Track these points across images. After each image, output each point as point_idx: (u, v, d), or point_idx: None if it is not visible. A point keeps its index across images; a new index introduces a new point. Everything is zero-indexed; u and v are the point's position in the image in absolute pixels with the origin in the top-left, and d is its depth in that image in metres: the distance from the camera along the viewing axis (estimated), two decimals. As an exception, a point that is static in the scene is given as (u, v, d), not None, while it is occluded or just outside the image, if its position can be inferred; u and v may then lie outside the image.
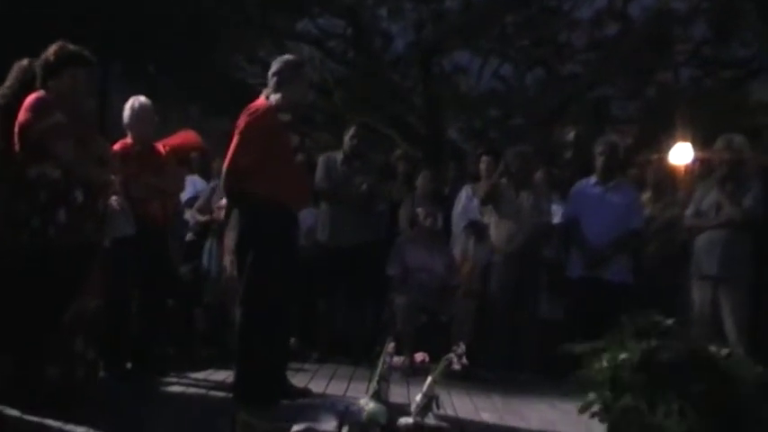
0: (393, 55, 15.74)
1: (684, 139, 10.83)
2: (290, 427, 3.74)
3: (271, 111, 4.88)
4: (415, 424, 3.82)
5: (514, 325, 6.86)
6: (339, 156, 7.26)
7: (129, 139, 5.68)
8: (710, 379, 3.67)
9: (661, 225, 6.94)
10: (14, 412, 3.96)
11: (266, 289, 4.70)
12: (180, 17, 11.77)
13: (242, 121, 4.84)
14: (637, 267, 6.78)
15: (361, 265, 6.94)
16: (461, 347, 4.39)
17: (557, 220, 7.17)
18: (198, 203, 7.33)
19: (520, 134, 13.48)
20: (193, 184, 7.50)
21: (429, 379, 3.98)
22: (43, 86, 4.44)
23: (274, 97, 4.92)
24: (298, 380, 5.39)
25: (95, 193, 4.51)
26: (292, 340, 6.21)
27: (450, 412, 4.87)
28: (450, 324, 6.74)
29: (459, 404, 5.29)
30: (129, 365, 5.49)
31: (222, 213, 6.46)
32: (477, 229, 7.31)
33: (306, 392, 5.02)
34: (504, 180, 7.15)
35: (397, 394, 4.69)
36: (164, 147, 5.89)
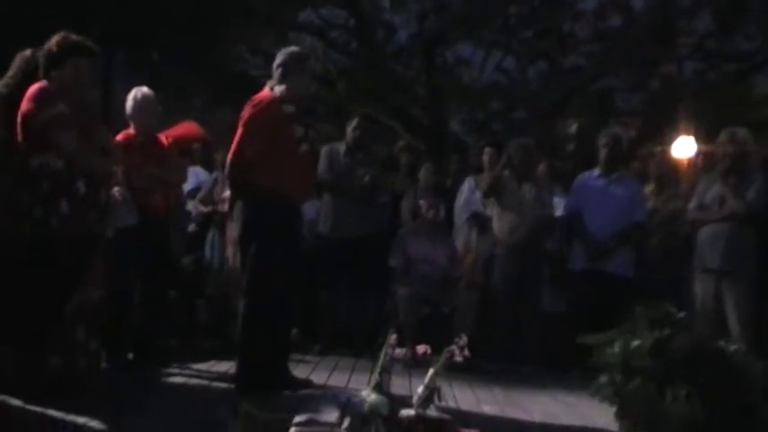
0: (396, 46, 15.71)
1: (688, 132, 10.84)
2: (292, 418, 3.74)
3: (275, 102, 4.88)
4: (417, 416, 3.80)
5: (517, 317, 6.85)
6: (342, 147, 7.25)
7: (131, 130, 5.68)
8: (719, 369, 3.76)
9: (664, 218, 6.93)
10: (17, 402, 3.96)
11: (269, 280, 4.71)
12: (183, 8, 11.76)
13: (246, 113, 4.83)
14: (639, 260, 6.78)
15: (364, 257, 6.93)
16: (463, 339, 4.37)
17: (559, 212, 7.17)
18: (200, 194, 7.34)
19: (522, 126, 13.47)
20: (196, 176, 7.49)
21: (431, 371, 3.97)
22: (46, 77, 4.43)
23: (279, 89, 4.92)
24: (300, 371, 5.40)
25: (98, 183, 4.50)
26: (294, 332, 6.22)
27: (451, 404, 4.88)
28: (452, 316, 6.74)
29: (461, 396, 5.29)
30: (130, 356, 5.50)
31: (226, 205, 6.45)
32: (479, 221, 7.30)
33: (308, 384, 5.02)
34: (506, 172, 7.14)
35: (398, 386, 4.69)
36: (166, 138, 5.89)
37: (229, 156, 4.90)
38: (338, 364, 6.18)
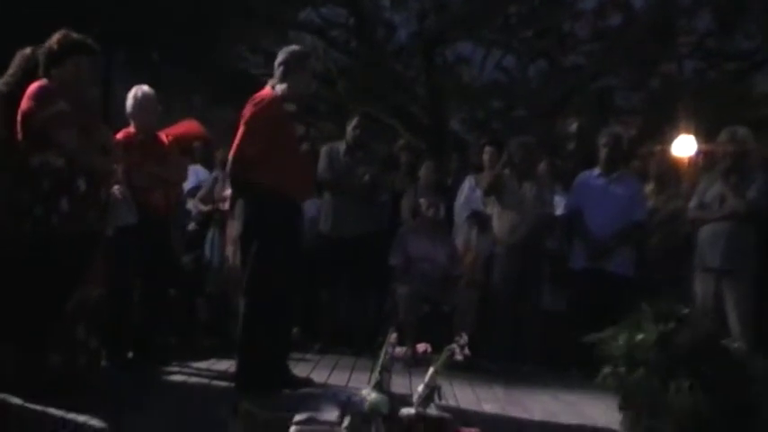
0: (396, 45, 15.72)
1: (688, 131, 10.84)
2: (292, 416, 3.74)
3: (276, 101, 4.88)
4: (417, 414, 3.80)
5: (517, 316, 6.84)
6: (342, 146, 7.24)
7: (132, 129, 5.67)
8: (722, 363, 3.80)
9: (664, 217, 6.93)
10: (17, 400, 3.96)
11: (270, 279, 4.71)
12: (183, 8, 11.76)
13: (248, 111, 4.84)
14: (640, 259, 6.78)
15: (364, 256, 6.93)
16: (464, 338, 4.37)
17: (560, 211, 7.16)
18: (200, 193, 7.33)
19: (523, 125, 13.45)
20: (196, 174, 7.49)
21: (431, 369, 3.97)
22: (46, 75, 4.42)
23: (280, 87, 4.92)
24: (300, 370, 5.40)
25: (98, 181, 4.50)
26: (295, 330, 6.21)
27: (452, 403, 4.88)
28: (452, 314, 6.73)
29: (462, 395, 5.29)
30: (130, 354, 5.49)
31: (227, 203, 6.44)
32: (479, 220, 7.30)
33: (308, 382, 5.02)
34: (506, 171, 7.13)
35: (399, 385, 4.69)
36: (167, 136, 5.89)
37: (231, 154, 4.91)
38: (338, 362, 6.17)
